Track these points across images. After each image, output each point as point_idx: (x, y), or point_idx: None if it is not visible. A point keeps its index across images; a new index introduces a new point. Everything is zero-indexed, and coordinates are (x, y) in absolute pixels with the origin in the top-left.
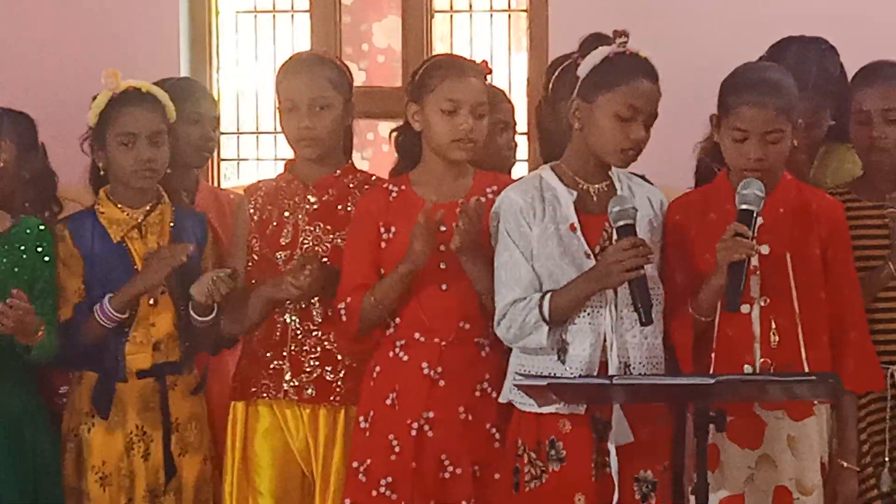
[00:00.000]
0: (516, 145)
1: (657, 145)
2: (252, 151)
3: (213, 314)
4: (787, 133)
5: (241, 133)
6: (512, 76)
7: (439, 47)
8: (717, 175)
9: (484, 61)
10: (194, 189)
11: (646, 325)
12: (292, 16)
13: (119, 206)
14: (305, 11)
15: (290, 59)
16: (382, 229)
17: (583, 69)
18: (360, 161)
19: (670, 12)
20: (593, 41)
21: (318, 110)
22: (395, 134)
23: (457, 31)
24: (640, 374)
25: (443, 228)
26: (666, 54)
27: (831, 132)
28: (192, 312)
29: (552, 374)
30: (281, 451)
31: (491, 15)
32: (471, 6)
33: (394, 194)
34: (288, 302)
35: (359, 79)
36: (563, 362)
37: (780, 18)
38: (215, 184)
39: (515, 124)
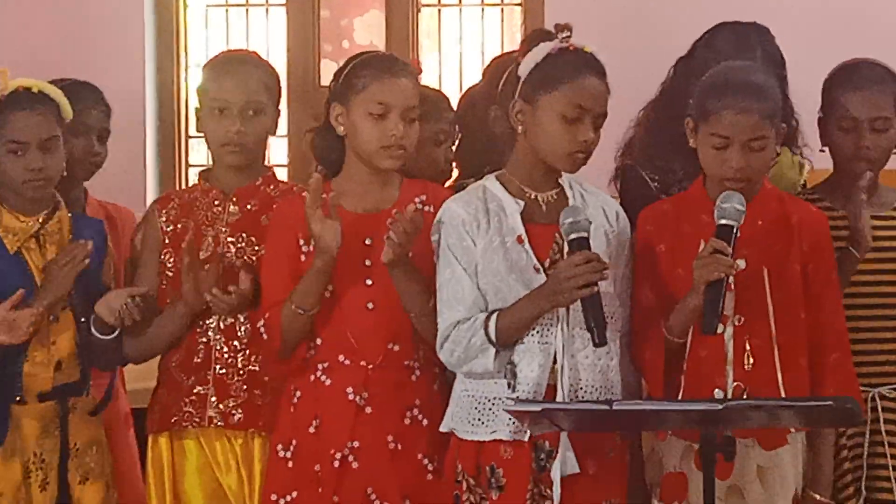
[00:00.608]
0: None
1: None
2: None
3: (116, 332)
4: (770, 140)
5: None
6: None
7: (426, 44)
8: (641, 180)
9: (415, 59)
10: (82, 202)
11: (599, 346)
12: (267, 10)
13: (14, 213)
14: (281, 5)
15: (222, 56)
16: (301, 241)
17: (523, 68)
18: None
19: (672, 4)
20: (536, 37)
21: (250, 115)
22: (310, 136)
23: (445, 26)
24: (620, 399)
25: (368, 242)
26: (666, 47)
27: None
28: (93, 329)
29: (500, 400)
30: (213, 491)
31: (482, 9)
32: (461, 0)
33: None
34: (209, 320)
35: None
36: (514, 387)
37: (789, 13)
38: None
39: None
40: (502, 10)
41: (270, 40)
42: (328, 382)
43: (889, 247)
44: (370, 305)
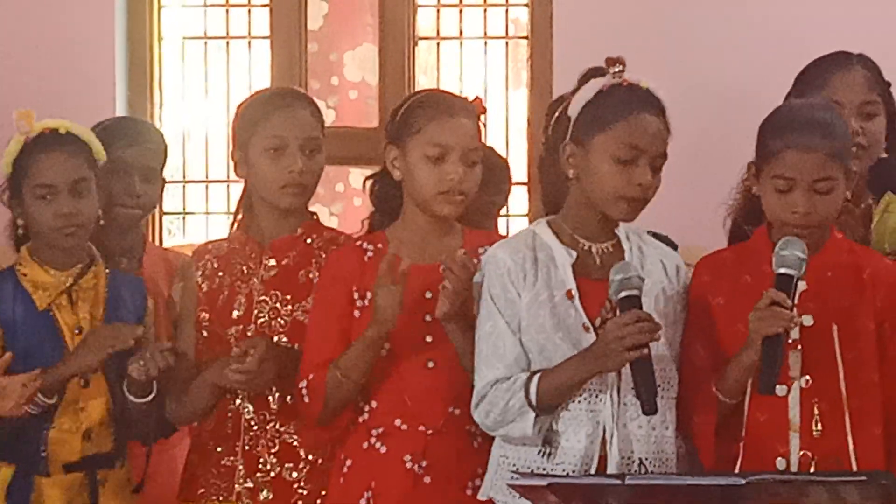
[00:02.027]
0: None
1: (676, 194)
2: (200, 203)
3: (152, 395)
4: (839, 181)
5: (188, 182)
6: (510, 115)
7: (423, 81)
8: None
9: (478, 98)
10: (139, 251)
11: (648, 414)
12: (249, 43)
13: (44, 267)
14: (265, 38)
15: (264, 93)
16: (356, 295)
17: (574, 107)
18: (327, 217)
19: (693, 39)
20: (589, 75)
21: (309, 153)
22: (370, 182)
23: (444, 61)
24: (651, 473)
25: (428, 295)
26: (687, 85)
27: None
28: (126, 393)
29: (541, 470)
30: None
31: (485, 43)
32: (461, 32)
33: (369, 254)
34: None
35: (328, 118)
36: (552, 455)
37: (810, 38)
38: (157, 241)
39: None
40: (507, 43)
41: (253, 76)
42: (383, 450)
43: None
44: (430, 364)
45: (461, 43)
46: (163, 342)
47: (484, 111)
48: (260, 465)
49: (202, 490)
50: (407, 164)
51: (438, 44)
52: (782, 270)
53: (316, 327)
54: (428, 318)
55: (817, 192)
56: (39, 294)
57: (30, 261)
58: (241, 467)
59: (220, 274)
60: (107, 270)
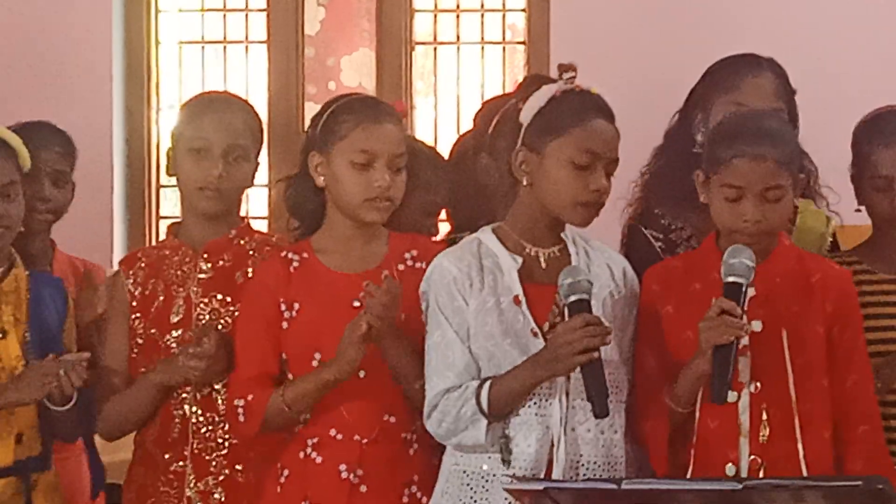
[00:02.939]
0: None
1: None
2: None
3: (73, 402)
4: (788, 189)
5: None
6: None
7: (420, 86)
8: (646, 241)
9: (399, 102)
10: (49, 256)
11: (599, 417)
12: (246, 48)
13: None
14: (262, 42)
15: (203, 96)
16: (283, 306)
17: (525, 114)
18: None
19: (689, 44)
20: (534, 82)
21: (232, 159)
22: (283, 186)
23: (441, 66)
24: (640, 479)
25: (356, 304)
26: (685, 89)
27: None
28: (45, 400)
29: (493, 476)
30: None
31: (482, 48)
32: (458, 37)
33: (295, 264)
34: (183, 394)
35: None
36: (508, 463)
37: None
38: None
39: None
40: (504, 48)
41: (250, 81)
42: (319, 460)
43: None
44: (361, 374)
45: (458, 48)
46: (80, 353)
47: (405, 115)
48: (211, 468)
49: (152, 500)
50: (332, 170)
51: (435, 48)
52: (731, 279)
53: (245, 341)
54: None
55: (767, 200)
56: None
57: None
58: (190, 472)
59: (153, 280)
60: (27, 272)
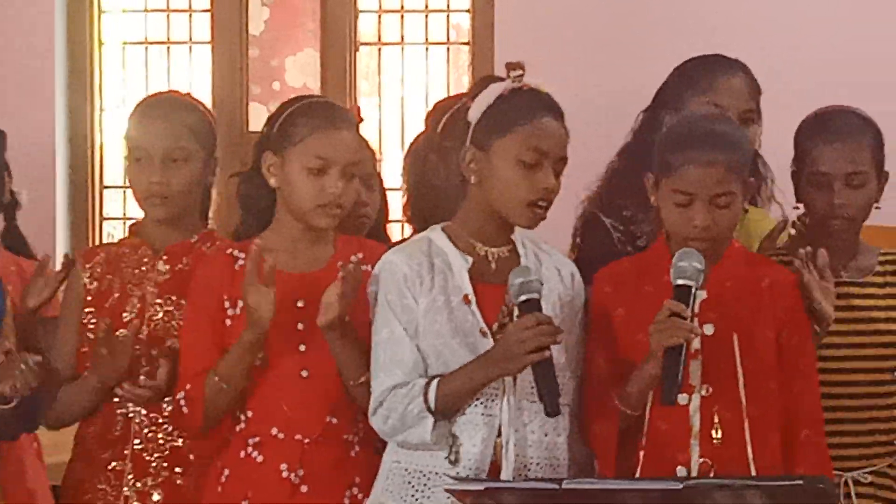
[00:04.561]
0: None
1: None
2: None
3: (17, 401)
4: (737, 195)
5: (129, 187)
6: None
7: (364, 87)
8: (604, 230)
9: (356, 106)
10: None
11: (551, 415)
12: (190, 48)
13: None
14: (206, 43)
15: (144, 101)
16: (227, 304)
17: (473, 113)
18: None
19: (633, 45)
20: (486, 81)
21: (173, 163)
22: (236, 181)
23: (385, 67)
24: (585, 479)
25: (300, 304)
26: (626, 90)
27: None
28: None
29: (437, 475)
30: None
31: (427, 48)
32: (403, 37)
33: (239, 262)
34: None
35: None
36: (455, 462)
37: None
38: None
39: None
40: (448, 49)
41: (194, 81)
42: (259, 459)
43: (868, 317)
44: (304, 374)
45: (402, 48)
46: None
47: (361, 120)
48: (150, 469)
49: (88, 496)
50: (286, 173)
51: (380, 49)
52: (680, 282)
53: (189, 337)
54: (301, 326)
55: (717, 206)
56: None
57: None
58: (130, 471)
59: (110, 276)
60: None
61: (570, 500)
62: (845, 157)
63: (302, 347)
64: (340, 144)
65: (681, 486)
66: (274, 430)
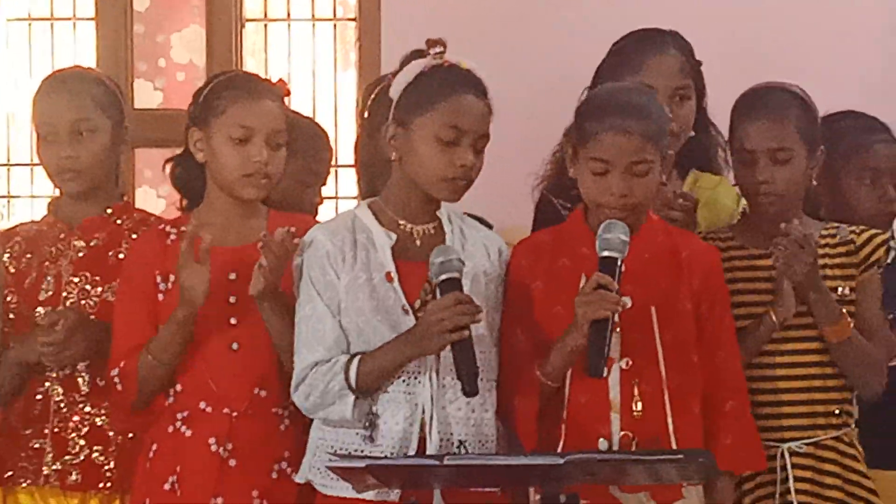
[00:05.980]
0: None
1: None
2: (26, 187)
3: None
4: (655, 164)
5: (13, 165)
6: (339, 97)
7: (251, 63)
8: (554, 210)
9: (281, 80)
10: None
11: (470, 395)
12: (74, 24)
13: None
14: (90, 20)
15: (48, 77)
16: (159, 279)
17: (395, 89)
18: (155, 199)
19: (526, 21)
20: (411, 57)
21: (80, 136)
22: (170, 164)
23: (272, 43)
24: (471, 454)
25: (232, 276)
26: (514, 68)
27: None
28: None
29: (360, 452)
30: None
31: (313, 24)
32: (289, 14)
33: (172, 237)
34: (49, 370)
35: (154, 100)
36: (373, 439)
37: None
38: None
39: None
40: (335, 25)
41: (78, 58)
42: (188, 433)
43: None
44: (234, 346)
45: (289, 25)
46: None
47: (288, 93)
48: (69, 449)
49: (10, 473)
50: (210, 146)
51: (266, 25)
52: (606, 253)
53: (122, 313)
54: (232, 299)
55: (633, 174)
56: None
57: None
58: (49, 450)
59: (29, 255)
60: None
61: (453, 476)
62: (769, 133)
63: (233, 320)
64: (263, 113)
65: (562, 461)
66: (202, 404)
